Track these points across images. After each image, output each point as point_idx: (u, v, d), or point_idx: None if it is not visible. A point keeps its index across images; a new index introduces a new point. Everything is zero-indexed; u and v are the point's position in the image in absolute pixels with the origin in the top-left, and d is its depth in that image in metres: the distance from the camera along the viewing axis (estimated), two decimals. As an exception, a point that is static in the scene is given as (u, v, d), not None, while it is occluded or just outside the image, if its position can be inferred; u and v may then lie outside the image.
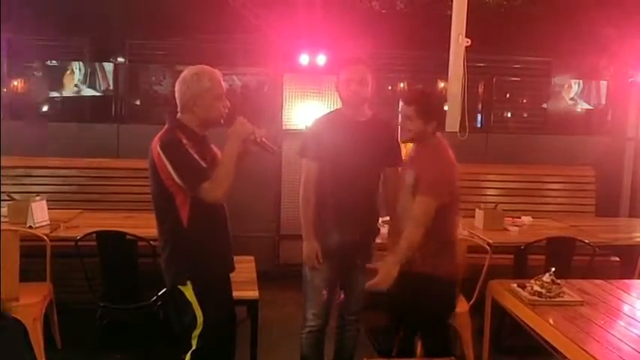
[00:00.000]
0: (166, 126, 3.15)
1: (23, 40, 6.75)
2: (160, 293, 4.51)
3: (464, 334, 4.33)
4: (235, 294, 3.56)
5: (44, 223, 4.78)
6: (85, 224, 4.80)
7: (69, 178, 6.05)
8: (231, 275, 3.44)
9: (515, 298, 3.63)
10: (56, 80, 7.34)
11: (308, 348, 3.92)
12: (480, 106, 8.24)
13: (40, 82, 7.41)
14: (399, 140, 3.78)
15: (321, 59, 6.34)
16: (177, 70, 8.32)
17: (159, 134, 3.11)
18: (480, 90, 8.12)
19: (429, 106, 3.46)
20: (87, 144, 6.25)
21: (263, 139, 3.15)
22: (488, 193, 6.41)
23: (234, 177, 3.04)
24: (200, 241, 3.13)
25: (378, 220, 3.96)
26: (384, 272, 3.28)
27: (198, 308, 3.14)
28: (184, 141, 3.05)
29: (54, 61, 7.40)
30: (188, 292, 3.13)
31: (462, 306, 4.36)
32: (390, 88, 9.24)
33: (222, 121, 3.17)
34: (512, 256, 5.03)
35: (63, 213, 5.16)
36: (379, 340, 4.91)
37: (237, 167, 3.10)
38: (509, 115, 8.89)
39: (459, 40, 6.51)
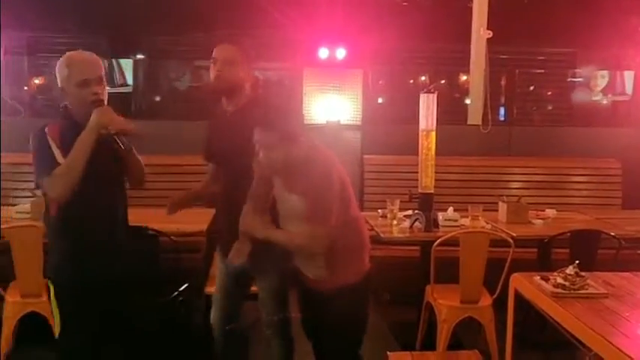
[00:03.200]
0: None
1: (42, 37, 6.80)
2: (180, 289, 4.52)
3: (487, 328, 4.29)
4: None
5: (66, 219, 4.79)
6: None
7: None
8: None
9: (539, 290, 3.56)
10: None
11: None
12: (502, 99, 8.18)
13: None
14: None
15: (341, 53, 6.30)
16: (196, 66, 8.43)
17: None
18: (503, 82, 8.06)
19: (292, 122, 2.92)
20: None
21: (115, 135, 2.86)
22: (512, 186, 6.32)
23: (79, 172, 2.73)
24: (67, 237, 2.89)
25: None
26: (236, 247, 3.04)
27: (56, 310, 2.92)
28: (62, 131, 2.81)
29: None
30: (51, 290, 2.93)
31: (485, 300, 4.32)
32: (411, 81, 9.20)
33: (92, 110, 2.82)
34: (536, 249, 4.96)
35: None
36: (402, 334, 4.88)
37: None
38: (533, 107, 8.81)
39: (480, 32, 6.46)
